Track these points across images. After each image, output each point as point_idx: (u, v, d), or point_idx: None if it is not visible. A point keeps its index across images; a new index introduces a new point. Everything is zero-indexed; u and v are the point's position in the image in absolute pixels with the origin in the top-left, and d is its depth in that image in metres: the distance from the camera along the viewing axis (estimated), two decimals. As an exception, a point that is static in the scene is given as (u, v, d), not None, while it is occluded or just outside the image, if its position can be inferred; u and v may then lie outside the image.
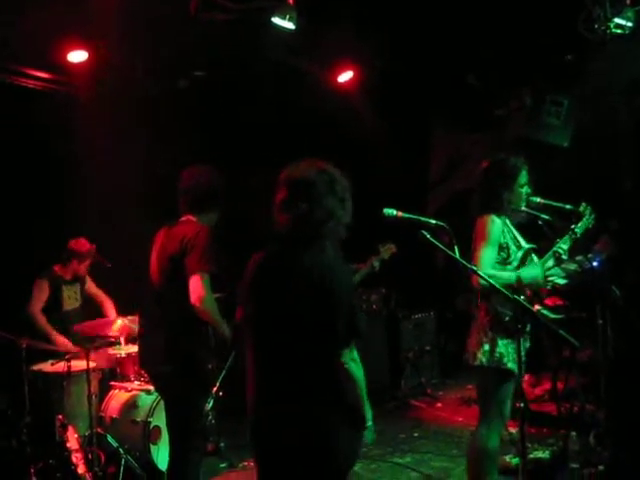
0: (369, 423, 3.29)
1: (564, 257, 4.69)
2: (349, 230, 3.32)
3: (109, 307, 6.79)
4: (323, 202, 3.19)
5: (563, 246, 4.68)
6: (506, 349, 4.35)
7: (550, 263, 4.69)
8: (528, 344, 4.49)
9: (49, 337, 6.23)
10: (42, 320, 6.29)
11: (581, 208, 4.84)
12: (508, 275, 4.34)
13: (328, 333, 3.12)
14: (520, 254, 4.50)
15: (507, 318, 4.30)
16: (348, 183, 3.32)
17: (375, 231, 5.63)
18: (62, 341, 6.23)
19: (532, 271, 4.46)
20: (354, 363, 3.18)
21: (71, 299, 6.60)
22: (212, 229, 4.47)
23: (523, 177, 4.56)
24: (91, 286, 6.80)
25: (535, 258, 4.61)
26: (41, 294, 6.36)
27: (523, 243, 4.62)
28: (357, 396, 3.22)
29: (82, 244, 6.48)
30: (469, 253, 4.37)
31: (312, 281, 3.14)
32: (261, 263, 3.32)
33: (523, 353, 4.38)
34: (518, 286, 4.31)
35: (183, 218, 4.56)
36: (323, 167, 3.28)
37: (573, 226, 4.74)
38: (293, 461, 3.19)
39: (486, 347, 4.36)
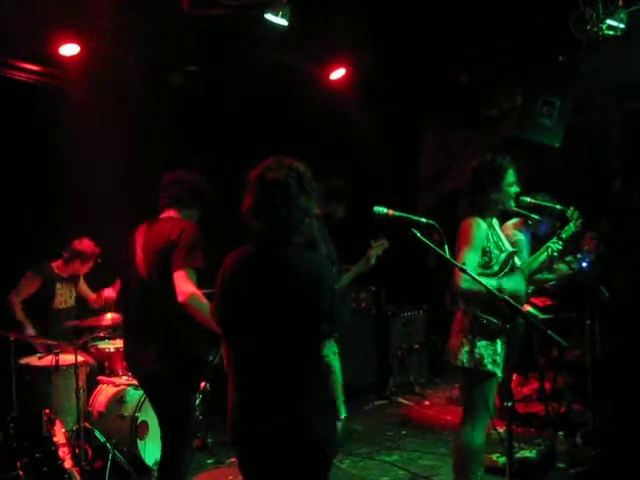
0: (342, 415, 3.31)
1: (555, 254, 4.72)
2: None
3: (94, 297, 6.78)
4: (298, 203, 3.20)
5: (553, 246, 4.70)
6: (486, 350, 4.37)
7: (541, 259, 4.71)
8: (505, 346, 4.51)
9: (22, 327, 6.20)
10: (19, 310, 6.28)
11: (568, 212, 4.87)
12: (489, 283, 4.33)
13: (313, 327, 3.14)
14: (502, 257, 4.51)
15: (485, 322, 4.33)
16: (310, 172, 3.30)
17: (366, 229, 5.65)
18: (32, 333, 6.21)
19: (514, 283, 4.46)
20: (334, 356, 3.21)
21: (64, 297, 6.58)
22: (198, 225, 4.45)
23: (510, 176, 4.57)
24: (83, 285, 6.79)
25: (517, 262, 4.63)
26: (28, 287, 6.34)
27: (507, 246, 4.63)
28: (334, 388, 3.25)
29: (86, 245, 6.46)
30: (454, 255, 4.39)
31: (295, 277, 3.16)
32: (241, 261, 3.31)
33: (503, 354, 4.42)
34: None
35: (164, 214, 4.52)
36: (291, 164, 3.25)
37: (559, 231, 4.76)
38: (279, 457, 3.19)
39: (466, 348, 4.39)
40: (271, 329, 3.17)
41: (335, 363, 3.22)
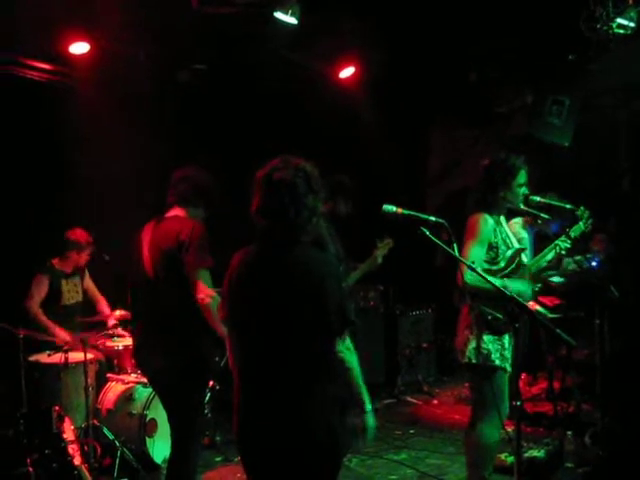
0: (368, 407, 3.31)
1: (563, 252, 4.70)
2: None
3: (103, 304, 6.80)
4: (305, 202, 3.20)
5: (562, 244, 4.69)
6: (493, 345, 4.38)
7: (549, 257, 4.69)
8: (513, 340, 4.50)
9: (49, 330, 6.20)
10: (40, 315, 6.28)
11: (579, 212, 4.85)
12: (495, 281, 4.31)
13: (321, 325, 3.14)
14: (509, 253, 4.50)
15: (490, 317, 4.32)
16: (317, 171, 3.31)
17: (375, 227, 5.64)
18: (62, 334, 6.20)
19: (519, 286, 4.44)
20: (348, 351, 3.21)
21: (71, 293, 6.59)
22: (205, 224, 4.45)
23: (522, 177, 4.57)
24: (88, 281, 6.80)
25: (524, 258, 4.61)
26: (40, 289, 6.34)
27: (515, 243, 4.62)
28: (353, 383, 3.26)
29: (79, 234, 6.48)
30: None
31: (301, 276, 3.16)
32: (247, 260, 3.32)
33: (511, 348, 4.42)
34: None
35: (171, 212, 4.52)
36: (297, 164, 3.26)
37: (568, 229, 4.75)
38: (281, 458, 3.19)
39: (473, 344, 4.39)
40: (275, 328, 3.17)
41: (351, 359, 3.22)
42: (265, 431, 3.19)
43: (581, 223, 4.83)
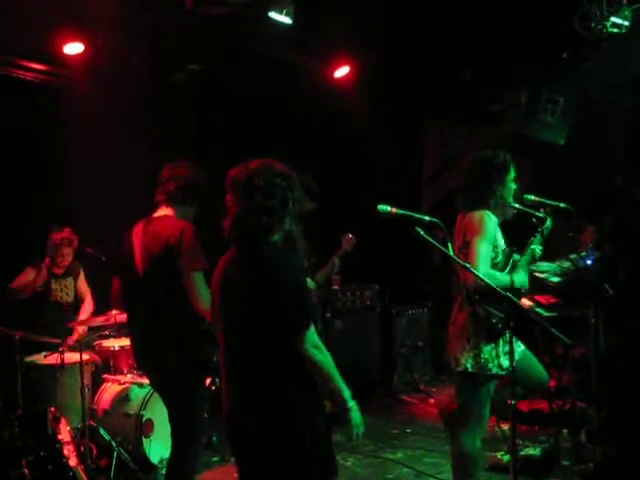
0: (350, 404, 3.28)
1: (537, 256, 4.66)
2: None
3: (83, 308, 6.70)
4: (246, 201, 3.29)
5: (537, 250, 4.64)
6: (490, 354, 4.29)
7: (529, 258, 4.65)
8: (521, 348, 4.45)
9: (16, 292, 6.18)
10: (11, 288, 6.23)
11: (541, 214, 4.72)
12: (504, 277, 4.29)
13: (280, 322, 3.18)
14: (504, 254, 4.47)
15: (494, 320, 4.23)
16: (290, 175, 3.37)
17: (368, 225, 5.65)
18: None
19: (522, 278, 4.42)
20: (316, 349, 3.20)
21: (62, 292, 6.55)
22: (195, 225, 4.42)
23: (513, 172, 4.56)
24: (81, 282, 6.75)
25: (517, 257, 4.58)
26: (24, 278, 6.29)
27: (502, 243, 4.57)
28: (327, 381, 3.24)
29: (54, 235, 6.29)
30: (463, 249, 4.36)
31: (257, 275, 3.24)
32: (222, 264, 3.43)
33: (507, 349, 4.38)
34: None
35: (160, 212, 4.49)
36: (252, 167, 3.38)
37: (540, 229, 4.66)
38: (261, 453, 3.28)
39: (470, 353, 4.29)
40: (237, 327, 3.29)
41: (320, 357, 3.19)
42: (233, 424, 3.35)
43: (545, 226, 4.71)
